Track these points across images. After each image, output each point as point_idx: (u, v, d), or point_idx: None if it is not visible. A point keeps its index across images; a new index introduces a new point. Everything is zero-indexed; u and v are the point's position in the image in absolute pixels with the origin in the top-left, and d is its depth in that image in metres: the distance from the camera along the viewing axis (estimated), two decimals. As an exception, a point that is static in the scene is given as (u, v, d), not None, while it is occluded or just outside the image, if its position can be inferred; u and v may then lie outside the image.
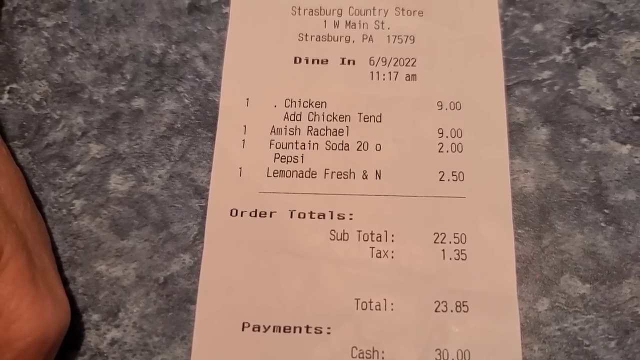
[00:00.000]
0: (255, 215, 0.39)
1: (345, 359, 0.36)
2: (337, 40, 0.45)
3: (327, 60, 0.44)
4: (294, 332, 0.36)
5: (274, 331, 0.36)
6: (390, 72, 0.43)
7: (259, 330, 0.36)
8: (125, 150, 0.44)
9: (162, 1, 0.49)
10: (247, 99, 0.43)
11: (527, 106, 0.45)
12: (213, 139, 0.44)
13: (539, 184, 0.43)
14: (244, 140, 0.42)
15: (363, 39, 0.45)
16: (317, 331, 0.36)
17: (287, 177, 0.39)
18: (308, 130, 0.42)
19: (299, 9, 0.47)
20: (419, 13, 0.46)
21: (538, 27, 0.47)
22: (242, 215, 0.39)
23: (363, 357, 0.36)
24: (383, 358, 0.36)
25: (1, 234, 0.33)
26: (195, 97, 0.45)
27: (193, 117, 0.45)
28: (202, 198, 0.42)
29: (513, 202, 0.42)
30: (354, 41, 0.45)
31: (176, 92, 0.45)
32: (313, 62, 0.43)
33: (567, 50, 0.47)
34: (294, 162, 0.41)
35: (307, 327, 0.36)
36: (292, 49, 0.40)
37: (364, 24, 0.45)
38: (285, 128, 0.42)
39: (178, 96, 0.44)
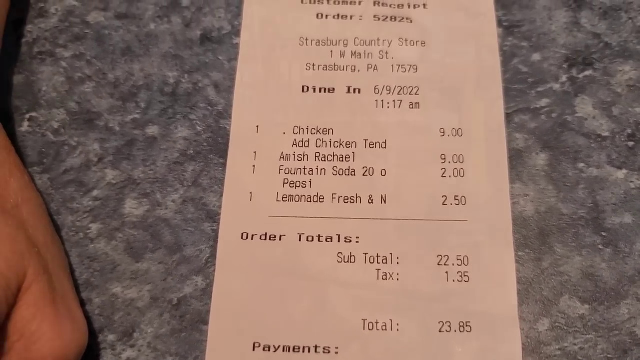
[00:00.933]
0: (266, 239, 0.41)
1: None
2: (343, 69, 0.48)
3: (333, 89, 0.46)
4: (303, 351, 0.38)
5: (283, 351, 0.37)
6: (394, 101, 0.45)
7: (269, 350, 0.38)
8: (140, 176, 0.46)
9: (175, 32, 0.51)
10: (257, 126, 0.45)
11: (526, 132, 0.47)
12: (224, 165, 0.46)
13: (538, 207, 0.45)
14: (254, 166, 0.45)
15: (368, 68, 0.47)
16: (326, 351, 0.38)
17: (296, 201, 0.41)
18: (316, 157, 0.44)
19: (307, 40, 0.49)
20: (421, 43, 0.48)
21: (536, 57, 0.50)
22: (252, 239, 0.41)
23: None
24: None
25: (25, 258, 0.35)
26: (207, 124, 0.48)
27: (205, 144, 0.47)
28: (214, 222, 0.44)
29: (514, 225, 0.44)
30: (359, 70, 0.48)
31: (189, 119, 0.47)
32: (320, 90, 0.46)
33: (564, 78, 0.49)
34: (302, 187, 0.43)
35: (316, 347, 0.37)
36: (300, 78, 0.42)
37: (368, 54, 0.48)
38: (294, 154, 0.44)
39: (191, 124, 0.47)
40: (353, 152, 0.44)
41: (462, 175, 0.43)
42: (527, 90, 0.48)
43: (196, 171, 0.46)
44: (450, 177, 0.43)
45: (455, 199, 0.42)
